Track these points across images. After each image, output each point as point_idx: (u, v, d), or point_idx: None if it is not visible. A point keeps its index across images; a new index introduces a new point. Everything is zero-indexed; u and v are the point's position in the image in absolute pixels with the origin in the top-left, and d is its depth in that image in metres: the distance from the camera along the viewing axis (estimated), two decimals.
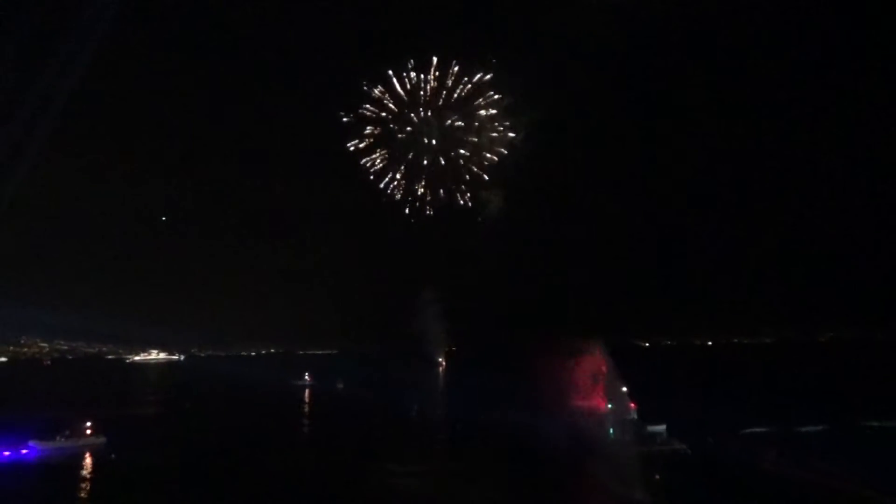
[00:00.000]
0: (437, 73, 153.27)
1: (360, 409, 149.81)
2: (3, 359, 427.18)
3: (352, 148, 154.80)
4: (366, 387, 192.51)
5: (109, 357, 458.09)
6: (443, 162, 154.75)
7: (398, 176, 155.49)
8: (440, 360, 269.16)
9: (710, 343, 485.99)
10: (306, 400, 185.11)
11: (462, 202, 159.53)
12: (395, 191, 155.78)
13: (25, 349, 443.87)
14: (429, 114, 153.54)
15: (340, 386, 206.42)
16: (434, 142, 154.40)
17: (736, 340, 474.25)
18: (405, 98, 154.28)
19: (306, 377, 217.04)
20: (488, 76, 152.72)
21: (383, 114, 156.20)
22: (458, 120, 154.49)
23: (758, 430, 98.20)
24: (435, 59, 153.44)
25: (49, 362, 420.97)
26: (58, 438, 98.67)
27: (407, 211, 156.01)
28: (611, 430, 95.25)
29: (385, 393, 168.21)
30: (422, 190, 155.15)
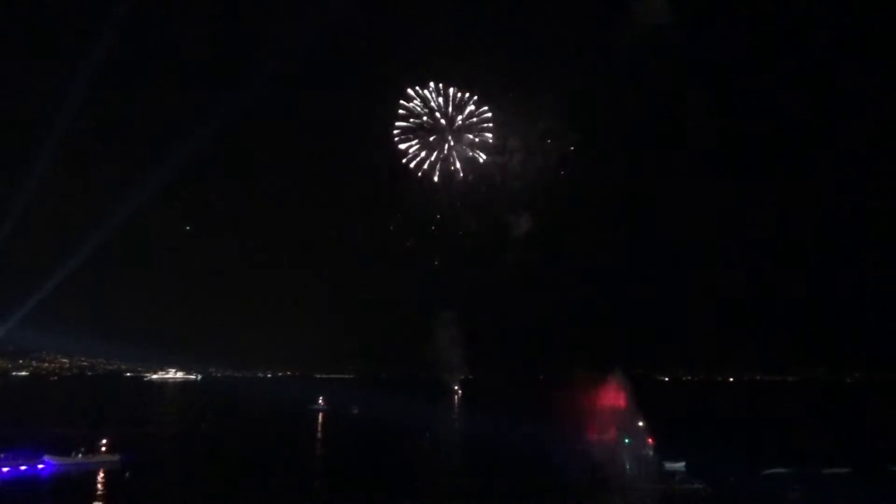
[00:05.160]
0: (469, 96, 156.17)
1: (374, 434, 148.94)
2: (24, 373, 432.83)
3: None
4: (380, 413, 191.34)
5: (128, 374, 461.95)
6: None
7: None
8: (456, 387, 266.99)
9: (731, 379, 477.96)
10: (319, 424, 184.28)
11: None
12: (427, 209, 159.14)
13: (46, 364, 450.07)
14: (460, 133, 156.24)
15: (355, 411, 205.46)
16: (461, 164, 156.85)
17: (759, 378, 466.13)
18: (437, 118, 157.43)
19: (320, 401, 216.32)
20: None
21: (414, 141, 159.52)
22: (488, 141, 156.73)
23: (780, 470, 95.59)
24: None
25: (56, 378, 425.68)
26: (73, 454, 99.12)
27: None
28: (627, 466, 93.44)
29: (401, 420, 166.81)
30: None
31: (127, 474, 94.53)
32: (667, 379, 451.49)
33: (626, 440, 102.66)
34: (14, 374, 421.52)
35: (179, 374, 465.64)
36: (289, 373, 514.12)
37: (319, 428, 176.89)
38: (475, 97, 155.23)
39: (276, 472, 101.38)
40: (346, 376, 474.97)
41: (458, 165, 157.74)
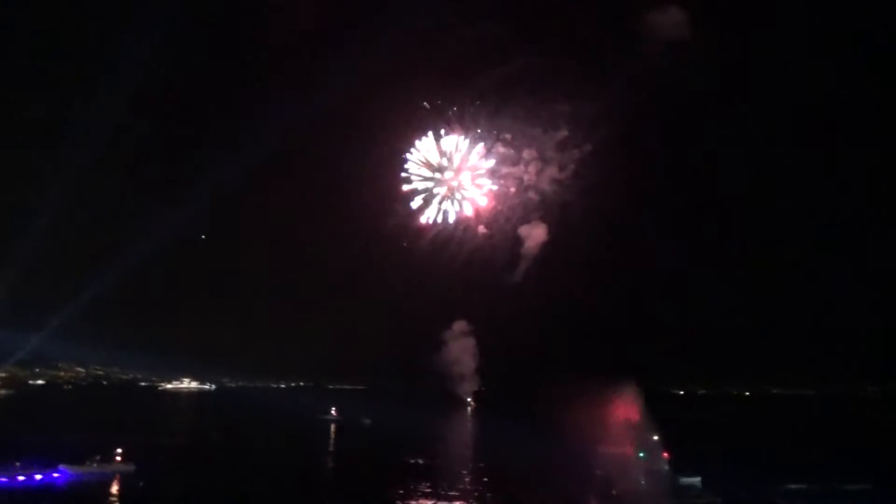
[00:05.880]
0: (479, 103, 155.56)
1: (386, 446, 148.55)
2: (41, 381, 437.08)
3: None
4: (392, 424, 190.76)
5: (143, 384, 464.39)
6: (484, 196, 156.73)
7: (438, 207, 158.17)
8: (469, 399, 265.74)
9: (747, 393, 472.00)
10: (332, 436, 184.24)
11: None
12: (434, 223, 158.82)
13: (62, 373, 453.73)
14: (468, 145, 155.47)
15: (367, 422, 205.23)
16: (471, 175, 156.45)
17: (775, 391, 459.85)
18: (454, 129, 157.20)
19: (333, 412, 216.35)
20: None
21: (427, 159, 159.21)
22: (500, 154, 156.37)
23: (797, 486, 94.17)
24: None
25: (70, 386, 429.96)
26: (88, 463, 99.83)
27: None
28: (642, 481, 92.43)
29: (412, 431, 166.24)
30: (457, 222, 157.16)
31: (141, 483, 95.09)
32: (682, 393, 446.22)
33: (641, 454, 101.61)
34: (31, 382, 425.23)
35: (193, 384, 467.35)
36: (301, 383, 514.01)
37: (332, 440, 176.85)
38: (494, 107, 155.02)
39: (288, 482, 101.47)
40: (359, 387, 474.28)
41: (473, 178, 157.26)
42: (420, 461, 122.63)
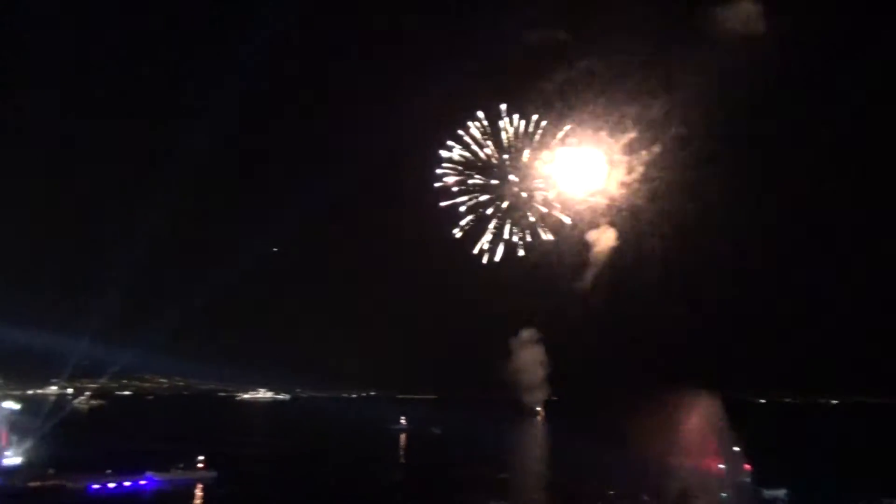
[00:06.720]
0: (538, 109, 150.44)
1: (456, 455, 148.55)
2: (127, 392, 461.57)
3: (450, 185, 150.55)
4: (461, 433, 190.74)
5: (221, 394, 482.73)
6: (552, 202, 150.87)
7: (499, 217, 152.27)
8: (538, 408, 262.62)
9: (834, 402, 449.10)
10: (402, 446, 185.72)
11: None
12: (499, 232, 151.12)
13: (147, 384, 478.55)
14: (529, 151, 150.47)
15: (437, 431, 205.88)
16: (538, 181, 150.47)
17: (864, 400, 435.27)
18: (507, 134, 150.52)
19: (402, 421, 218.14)
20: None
21: (485, 150, 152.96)
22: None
23: (892, 501, 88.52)
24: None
25: (151, 397, 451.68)
26: (172, 470, 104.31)
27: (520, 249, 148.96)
28: (723, 494, 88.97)
29: (482, 441, 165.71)
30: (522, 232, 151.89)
31: (222, 490, 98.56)
32: (764, 401, 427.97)
33: (722, 466, 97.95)
34: (118, 393, 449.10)
35: (268, 394, 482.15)
36: (372, 393, 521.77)
37: (401, 449, 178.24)
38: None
39: (360, 491, 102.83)
40: (428, 396, 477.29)
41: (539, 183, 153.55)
42: (490, 472, 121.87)
